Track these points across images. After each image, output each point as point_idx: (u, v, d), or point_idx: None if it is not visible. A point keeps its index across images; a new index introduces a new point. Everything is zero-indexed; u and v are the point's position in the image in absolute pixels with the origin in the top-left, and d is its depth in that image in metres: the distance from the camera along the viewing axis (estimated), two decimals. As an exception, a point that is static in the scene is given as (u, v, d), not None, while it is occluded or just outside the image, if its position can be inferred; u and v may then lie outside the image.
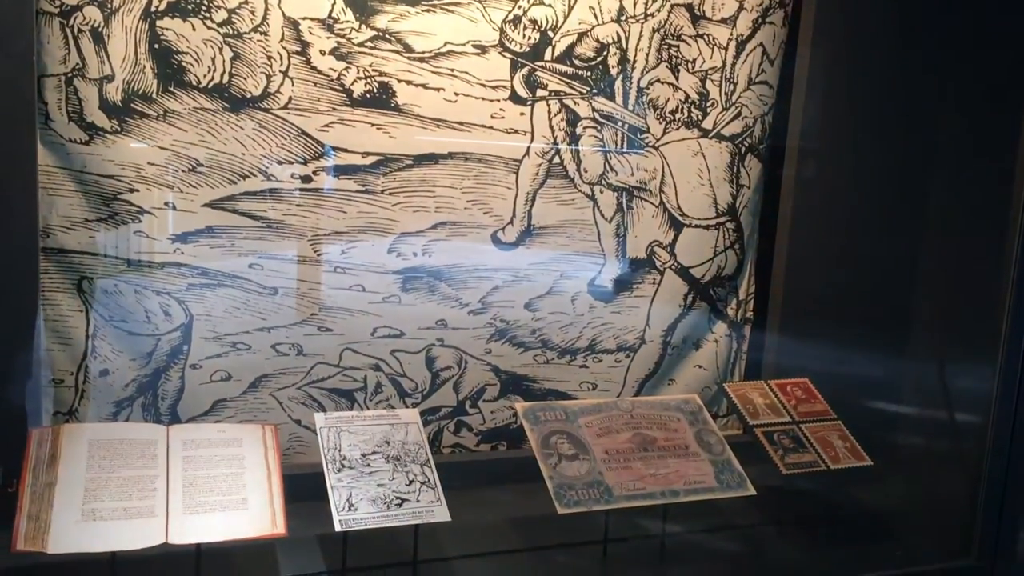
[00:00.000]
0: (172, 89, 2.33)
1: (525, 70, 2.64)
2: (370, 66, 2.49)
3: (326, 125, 2.49)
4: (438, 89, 2.55)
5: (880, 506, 2.62)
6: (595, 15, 2.70)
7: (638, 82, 2.79)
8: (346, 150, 2.52)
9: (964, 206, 2.91)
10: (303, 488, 2.20)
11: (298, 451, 2.62)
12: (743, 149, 2.96)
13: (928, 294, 3.02)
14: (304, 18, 2.41)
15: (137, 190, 2.34)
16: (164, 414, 2.47)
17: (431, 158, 2.60)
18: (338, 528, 1.95)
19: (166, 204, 2.38)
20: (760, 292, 3.10)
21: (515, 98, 2.64)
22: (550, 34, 2.66)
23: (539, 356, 2.83)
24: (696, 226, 2.94)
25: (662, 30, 2.78)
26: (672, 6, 2.79)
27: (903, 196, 3.05)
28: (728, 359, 3.07)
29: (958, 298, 2.93)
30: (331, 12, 2.43)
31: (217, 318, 2.48)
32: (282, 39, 2.40)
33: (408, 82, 2.52)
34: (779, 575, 2.24)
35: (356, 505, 2.00)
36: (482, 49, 2.59)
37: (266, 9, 2.38)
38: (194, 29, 2.32)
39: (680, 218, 2.92)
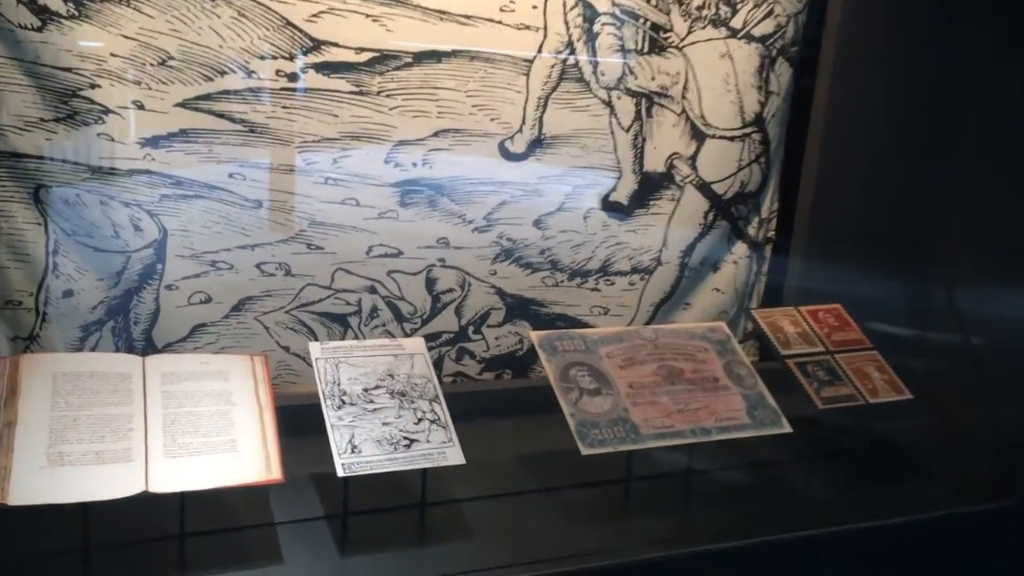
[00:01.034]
0: (137, -33, 2.00)
1: (540, -44, 2.33)
2: (366, -54, 2.17)
3: (315, 15, 2.18)
4: (443, -25, 2.25)
5: (915, 442, 2.46)
6: None
7: (664, -27, 2.49)
8: (337, 45, 2.22)
9: (1002, 132, 2.70)
10: (295, 422, 1.98)
11: (287, 380, 2.40)
12: (773, 52, 2.69)
13: (960, 221, 2.82)
14: None
15: (99, 86, 2.04)
16: (138, 340, 2.22)
17: (433, 56, 2.31)
18: (341, 473, 1.74)
19: (133, 103, 2.08)
20: (783, 211, 2.87)
21: (528, -12, 2.34)
22: (569, -86, 2.34)
23: (548, 278, 2.60)
24: (720, 137, 2.68)
25: (693, -86, 2.48)
26: None
27: (941, 113, 2.81)
28: (747, 282, 2.87)
29: (990, 226, 2.75)
30: None
31: (195, 234, 2.21)
32: (264, -89, 2.07)
33: (409, -34, 2.21)
34: (813, 516, 2.07)
35: (359, 447, 1.79)
36: (493, -70, 2.27)
37: None
38: None
39: (703, 128, 2.66)
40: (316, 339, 2.39)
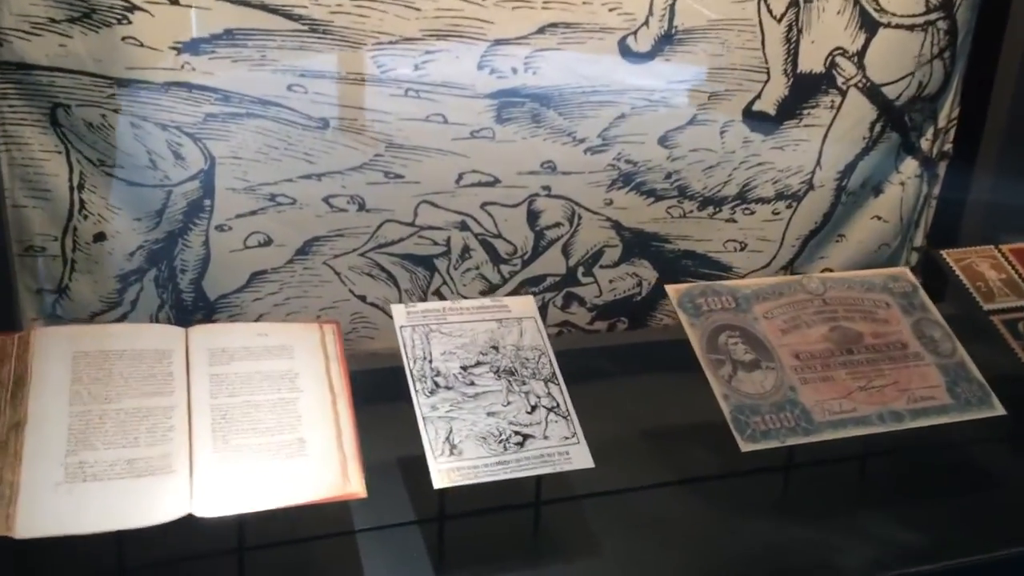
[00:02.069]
0: None
1: None
2: None
3: None
4: None
5: None
6: None
7: None
8: (418, -85, 1.72)
9: None
10: (374, 388, 1.60)
11: (363, 335, 2.01)
12: (970, -86, 2.09)
13: None
14: None
15: (120, -25, 1.60)
16: (186, 291, 1.84)
17: (538, -72, 1.79)
18: (438, 484, 1.35)
19: (164, -3, 1.64)
20: (965, 118, 2.31)
21: None
22: None
23: (674, 208, 2.13)
24: (897, 26, 2.12)
25: None
26: None
27: None
28: (914, 208, 2.34)
29: None
30: None
31: (248, 161, 1.79)
32: None
33: None
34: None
35: (460, 447, 1.39)
36: None
37: None
38: None
39: (876, 14, 2.10)
40: (396, 285, 1.99)
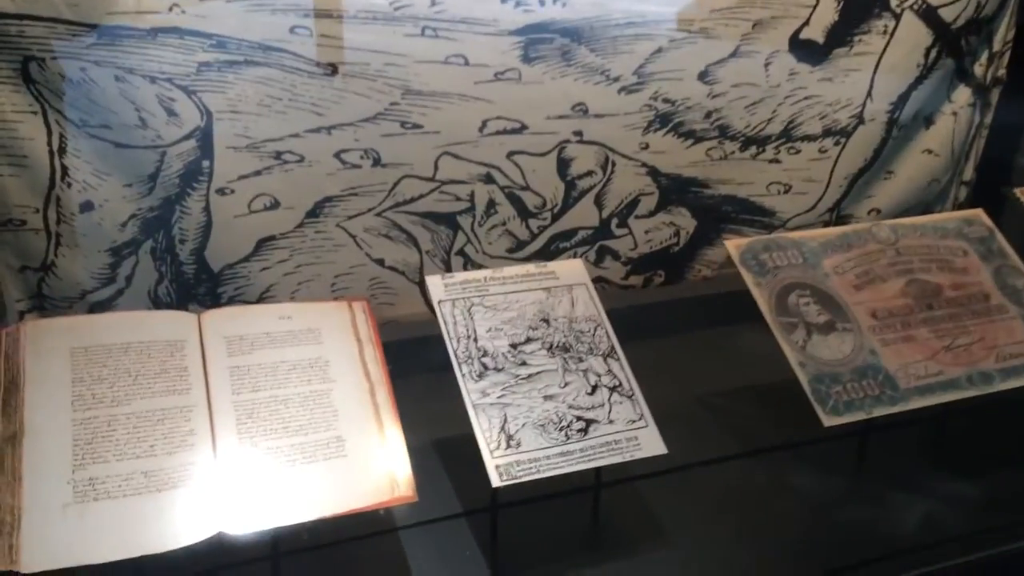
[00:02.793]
0: None
1: None
2: None
3: None
4: None
5: None
6: None
7: None
8: None
9: None
10: (398, 358, 1.44)
11: (383, 302, 1.84)
12: None
13: None
14: None
15: (92, -99, 1.37)
16: (187, 263, 1.66)
17: None
18: (497, 481, 1.20)
19: (145, -73, 1.42)
20: (1019, 41, 2.13)
21: None
22: None
23: (715, 149, 1.95)
24: (956, -59, 1.92)
25: None
26: None
27: None
28: (965, 140, 2.17)
29: None
30: None
31: (249, 115, 1.59)
32: None
33: None
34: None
35: (517, 437, 1.23)
36: None
37: None
38: None
39: (933, -72, 1.89)
40: (417, 247, 1.81)
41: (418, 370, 1.49)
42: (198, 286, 1.68)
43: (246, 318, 1.27)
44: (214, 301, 1.69)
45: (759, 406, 1.60)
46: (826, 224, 2.11)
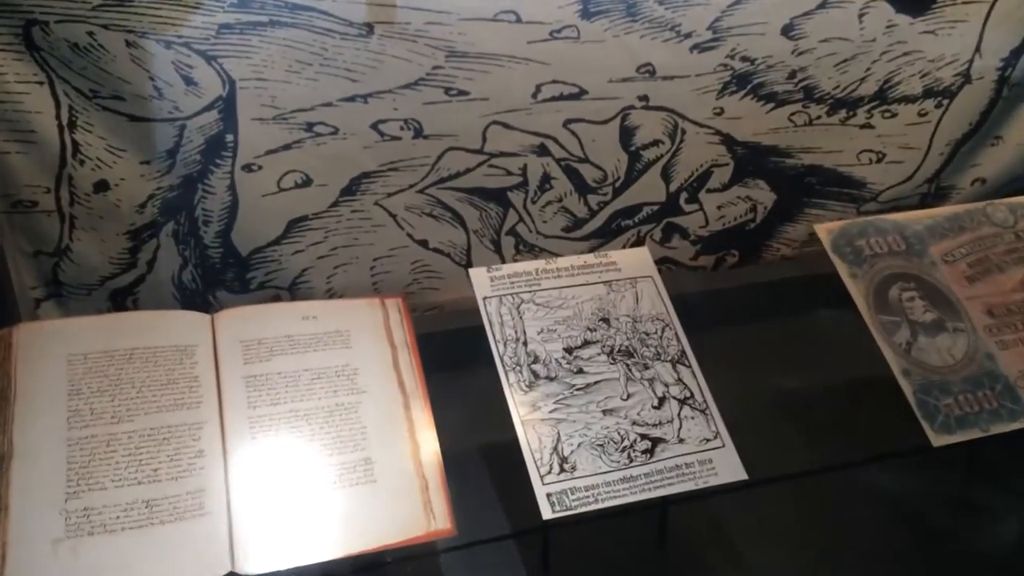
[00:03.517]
0: None
1: None
2: None
3: None
4: None
5: None
6: None
7: None
8: None
9: None
10: (443, 350, 1.29)
11: (426, 287, 1.68)
12: None
13: None
14: None
15: None
16: (212, 246, 1.52)
17: None
18: (548, 514, 1.03)
19: None
20: None
21: None
22: None
23: (798, 114, 1.73)
24: None
25: None
26: None
27: None
28: (1084, 99, 1.90)
29: None
30: None
31: (276, 83, 1.43)
32: None
33: None
34: None
35: (572, 459, 1.07)
36: None
37: None
38: None
39: None
40: (463, 226, 1.64)
41: (465, 363, 1.33)
42: (225, 271, 1.54)
43: (265, 319, 1.12)
44: (243, 288, 1.56)
45: (849, 409, 1.41)
46: (924, 198, 1.88)
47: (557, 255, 1.71)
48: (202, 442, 1.01)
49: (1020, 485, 1.35)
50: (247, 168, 1.47)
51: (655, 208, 1.75)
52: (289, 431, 1.04)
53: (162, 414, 1.02)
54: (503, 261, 1.70)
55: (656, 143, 1.68)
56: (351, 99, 1.48)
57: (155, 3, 1.32)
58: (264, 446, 1.02)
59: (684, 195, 1.75)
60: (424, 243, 1.64)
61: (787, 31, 1.64)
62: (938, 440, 1.15)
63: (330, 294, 1.60)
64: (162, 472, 0.98)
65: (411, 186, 1.58)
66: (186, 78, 1.38)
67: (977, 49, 1.76)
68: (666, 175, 1.72)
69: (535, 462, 1.06)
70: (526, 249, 1.70)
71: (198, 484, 0.98)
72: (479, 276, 1.21)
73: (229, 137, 1.45)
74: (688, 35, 1.58)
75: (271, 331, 1.11)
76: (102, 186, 1.42)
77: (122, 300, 1.50)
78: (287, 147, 1.48)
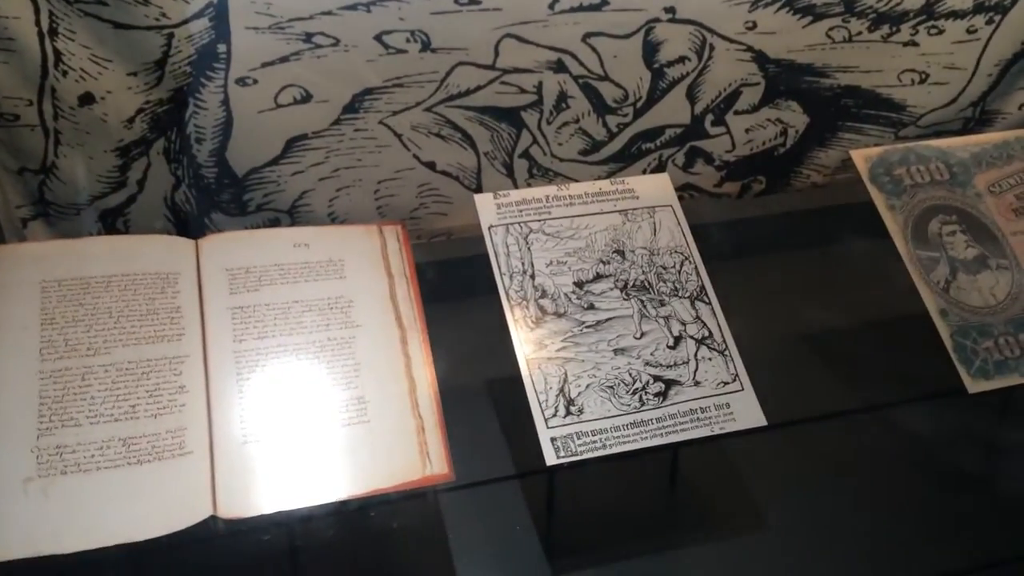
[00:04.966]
0: None
1: None
2: None
3: None
4: None
5: None
6: None
7: None
8: None
9: None
10: (450, 279, 1.22)
11: (433, 211, 1.59)
12: None
13: None
14: None
15: None
16: (206, 166, 1.44)
17: None
18: (552, 459, 0.97)
19: None
20: None
21: None
22: None
23: (838, 29, 1.60)
24: None
25: None
26: None
27: None
28: None
29: None
30: None
31: (271, -11, 1.32)
32: None
33: None
34: None
35: (579, 401, 1.00)
36: None
37: None
38: None
39: None
40: (473, 147, 1.55)
41: (470, 294, 1.26)
42: (221, 192, 1.46)
43: (254, 246, 1.05)
44: (240, 210, 1.48)
45: (881, 349, 1.33)
46: (967, 122, 1.75)
47: (573, 180, 1.62)
48: (183, 377, 0.94)
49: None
50: (241, 82, 1.38)
51: (679, 131, 1.64)
52: (277, 367, 0.97)
53: (141, 346, 0.95)
54: (515, 185, 1.60)
55: (682, 60, 1.56)
56: (353, 7, 1.37)
57: None
58: (250, 383, 0.95)
59: (710, 117, 1.64)
60: (431, 165, 1.55)
61: (829, -65, 1.50)
62: (974, 386, 1.07)
63: (332, 218, 1.52)
64: (140, 409, 0.92)
65: (418, 104, 1.48)
66: (173, -18, 1.28)
67: (1037, -42, 1.61)
68: (691, 95, 1.61)
69: (540, 404, 0.99)
70: (540, 173, 1.61)
71: (179, 422, 0.92)
72: (485, 203, 1.13)
73: (221, 48, 1.35)
74: (720, -61, 1.45)
75: (260, 259, 1.03)
76: (87, 99, 1.33)
77: (112, 221, 1.43)
78: (284, 59, 1.38)
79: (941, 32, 1.65)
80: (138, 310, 0.98)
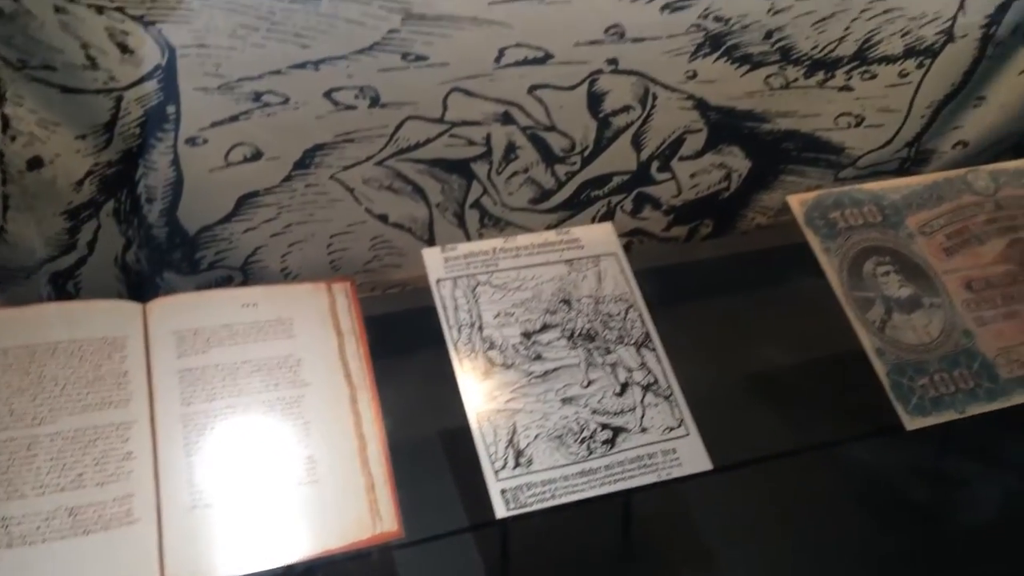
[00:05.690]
0: None
1: None
2: None
3: None
4: None
5: None
6: None
7: None
8: None
9: None
10: (400, 331, 1.24)
11: (387, 263, 1.61)
12: None
13: None
14: None
15: None
16: (157, 226, 1.44)
17: None
18: (501, 512, 0.98)
19: None
20: None
21: None
22: None
23: (775, 76, 1.65)
24: None
25: None
26: None
27: None
28: (1071, 56, 1.83)
29: None
30: None
31: (220, 50, 1.34)
32: None
33: None
34: None
35: (528, 452, 1.01)
36: None
37: None
38: None
39: None
40: (425, 199, 1.57)
41: (422, 346, 1.27)
42: (172, 251, 1.47)
43: (202, 307, 1.05)
44: (192, 268, 1.48)
45: (824, 387, 1.36)
46: (903, 162, 1.81)
47: (524, 228, 1.65)
48: (130, 443, 0.95)
49: (995, 459, 1.31)
50: (191, 141, 1.39)
51: (626, 177, 1.68)
52: (225, 429, 0.98)
53: (87, 414, 0.95)
54: (467, 235, 1.63)
55: (626, 109, 1.60)
56: (302, 66, 1.39)
57: (82, -35, 1.22)
58: (198, 446, 0.96)
59: (656, 163, 1.68)
60: (384, 218, 1.57)
61: (763, -12, 1.55)
62: (912, 423, 1.10)
63: (285, 273, 1.54)
64: (87, 477, 0.92)
65: (368, 158, 1.50)
66: (121, 45, 1.29)
67: (961, 6, 1.68)
68: (637, 143, 1.65)
69: (489, 456, 1.00)
70: (491, 222, 1.63)
71: (126, 489, 0.92)
72: (432, 257, 1.15)
73: (171, 108, 1.36)
74: (658, -6, 1.50)
75: (208, 320, 1.04)
76: (36, 163, 1.34)
77: (63, 283, 1.43)
78: (234, 118, 1.40)
79: (874, 77, 1.71)
80: (85, 377, 0.98)
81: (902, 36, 1.68)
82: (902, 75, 1.72)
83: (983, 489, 1.29)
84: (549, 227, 1.63)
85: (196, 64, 1.34)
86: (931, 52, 1.71)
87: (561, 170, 1.62)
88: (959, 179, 1.32)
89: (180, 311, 1.05)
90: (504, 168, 1.59)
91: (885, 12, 1.65)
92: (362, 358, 1.06)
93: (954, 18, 1.69)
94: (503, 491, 0.99)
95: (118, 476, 0.92)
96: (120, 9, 1.26)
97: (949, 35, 1.70)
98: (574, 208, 1.66)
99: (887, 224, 1.25)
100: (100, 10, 1.26)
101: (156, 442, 0.95)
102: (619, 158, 1.65)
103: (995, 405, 1.14)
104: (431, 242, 1.59)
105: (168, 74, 1.33)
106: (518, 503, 0.98)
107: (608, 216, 1.69)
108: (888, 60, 1.70)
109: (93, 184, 1.38)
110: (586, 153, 1.62)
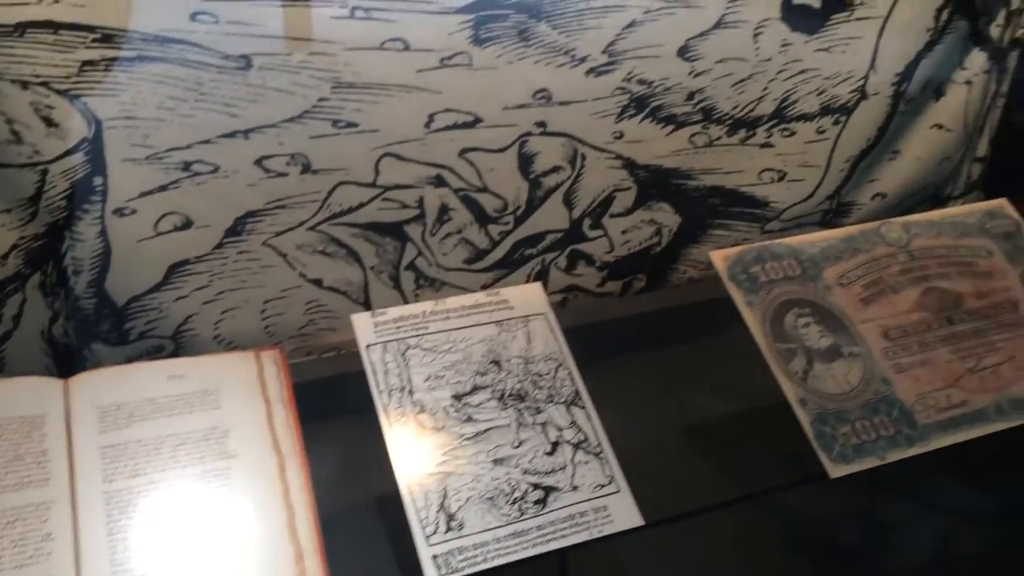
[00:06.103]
0: None
1: None
2: None
3: None
4: None
5: None
6: None
7: None
8: None
9: None
10: (336, 392, 1.23)
11: (322, 327, 1.61)
12: None
13: None
14: None
15: None
16: (85, 298, 1.42)
17: None
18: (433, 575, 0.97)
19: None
20: (1041, -4, 1.88)
21: None
22: None
23: (699, 135, 1.71)
24: None
25: None
26: None
27: None
28: (979, 112, 1.93)
29: None
30: None
31: (148, 121, 1.35)
32: None
33: None
34: None
35: (459, 516, 1.01)
36: None
37: None
38: None
39: None
40: (359, 263, 1.58)
41: (361, 408, 1.26)
42: (100, 322, 1.44)
43: (126, 381, 1.04)
44: (121, 339, 1.46)
45: (752, 438, 1.38)
46: (826, 214, 1.88)
47: (460, 288, 1.66)
48: (50, 524, 0.92)
49: (922, 501, 1.34)
50: (119, 212, 1.39)
51: (559, 236, 1.71)
52: (149, 506, 0.96)
53: (5, 495, 0.93)
54: (403, 297, 1.64)
55: (556, 169, 1.64)
56: (231, 135, 1.40)
57: (9, 41, 1.23)
58: (120, 524, 0.94)
59: (588, 221, 1.72)
60: (318, 282, 1.57)
61: (683, 53, 1.62)
62: (835, 471, 1.13)
63: (218, 340, 1.52)
64: (5, 560, 0.89)
65: (301, 224, 1.51)
66: (46, 119, 1.29)
67: (872, 65, 1.77)
68: (568, 201, 1.68)
69: (420, 521, 1.00)
70: (427, 283, 1.64)
71: (46, 572, 0.90)
72: (362, 322, 1.15)
73: (98, 180, 1.36)
74: (583, 59, 1.55)
75: (131, 394, 1.03)
76: (-41, 239, 1.32)
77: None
78: (163, 188, 1.40)
79: (793, 134, 1.78)
80: (3, 457, 0.95)
81: (818, 95, 1.76)
82: (819, 132, 1.79)
83: (911, 532, 1.32)
84: (484, 286, 1.65)
85: (124, 136, 1.34)
86: (846, 110, 1.79)
87: (495, 230, 1.65)
88: (873, 231, 1.37)
89: (103, 386, 1.04)
90: (438, 230, 1.60)
91: (800, 73, 1.72)
92: (291, 426, 1.05)
93: (866, 77, 1.77)
94: (435, 556, 0.98)
95: (37, 558, 0.90)
96: (45, 84, 1.27)
97: (862, 93, 1.78)
98: (509, 267, 1.68)
99: (806, 276, 1.29)
100: (25, 85, 1.26)
101: (77, 522, 0.93)
102: (552, 217, 1.68)
103: (914, 450, 1.17)
104: (367, 305, 1.60)
105: (95, 146, 1.34)
106: (450, 568, 0.98)
107: (543, 274, 1.71)
108: (806, 118, 1.77)
109: (18, 258, 1.36)
110: (519, 213, 1.65)
